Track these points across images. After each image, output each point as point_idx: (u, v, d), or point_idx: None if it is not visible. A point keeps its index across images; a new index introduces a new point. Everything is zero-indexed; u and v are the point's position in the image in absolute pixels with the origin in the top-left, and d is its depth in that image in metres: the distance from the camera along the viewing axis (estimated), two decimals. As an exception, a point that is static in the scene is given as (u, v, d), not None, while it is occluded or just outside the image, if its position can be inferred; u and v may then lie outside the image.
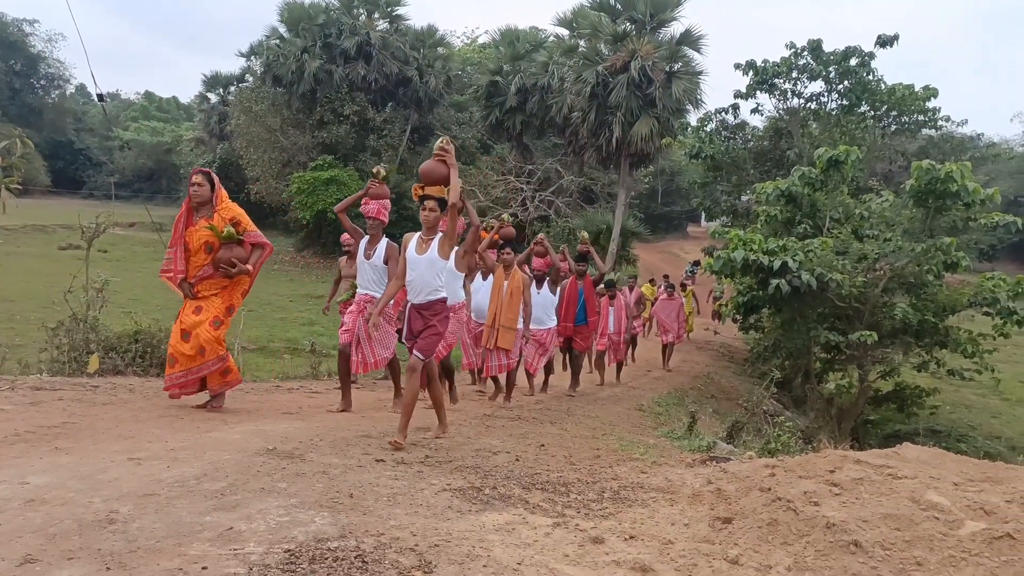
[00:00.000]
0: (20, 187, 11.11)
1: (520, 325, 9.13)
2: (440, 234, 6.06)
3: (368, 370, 7.69)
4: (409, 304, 6.10)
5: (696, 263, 31.91)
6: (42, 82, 65.69)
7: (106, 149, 65.94)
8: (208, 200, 6.85)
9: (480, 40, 50.79)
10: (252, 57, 44.73)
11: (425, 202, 6.03)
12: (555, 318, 10.42)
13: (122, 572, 3.21)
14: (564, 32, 33.53)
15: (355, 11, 38.44)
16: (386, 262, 7.57)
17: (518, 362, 9.71)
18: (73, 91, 70.94)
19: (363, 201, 7.79)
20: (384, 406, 8.12)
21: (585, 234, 11.93)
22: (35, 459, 4.73)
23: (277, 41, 38.91)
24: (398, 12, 39.01)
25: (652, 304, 20.21)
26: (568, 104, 30.98)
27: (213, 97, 52.59)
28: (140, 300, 17.46)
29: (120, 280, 9.60)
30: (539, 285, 10.13)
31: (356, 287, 8.02)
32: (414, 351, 5.95)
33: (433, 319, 6.02)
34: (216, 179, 6.99)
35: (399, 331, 6.75)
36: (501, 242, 9.40)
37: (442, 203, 6.01)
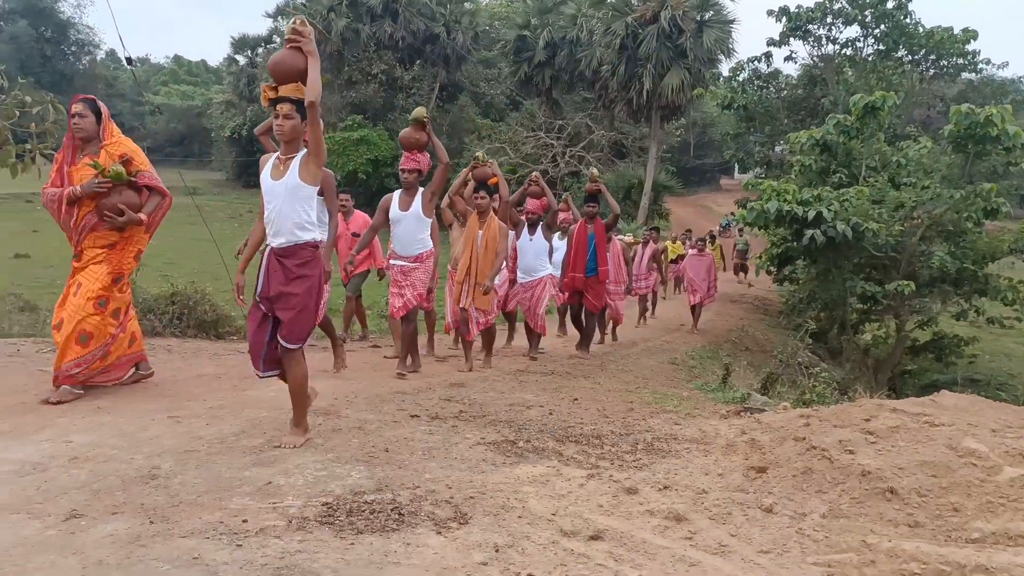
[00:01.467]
0: (53, 153, 11.26)
1: (499, 281, 8.06)
2: (303, 151, 4.54)
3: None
4: (268, 249, 4.57)
5: (732, 215, 31.58)
6: (72, 48, 66.06)
7: (137, 114, 66.39)
8: (94, 135, 5.57)
9: (508, -6, 50.09)
10: (279, 18, 44.58)
11: (278, 106, 4.47)
12: (549, 266, 9.36)
13: (165, 525, 3.29)
14: (587, -17, 32.99)
15: (380, -32, 38.08)
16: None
17: (514, 320, 9.38)
18: (103, 56, 71.28)
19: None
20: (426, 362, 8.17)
21: (595, 170, 10.36)
22: (78, 418, 4.84)
23: (303, 1, 38.71)
24: (421, -33, 38.57)
25: (673, 262, 19.99)
26: (597, 57, 30.58)
27: (241, 59, 52.56)
28: (175, 263, 17.68)
29: (155, 243, 9.68)
30: (532, 231, 9.15)
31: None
32: (280, 338, 4.47)
33: (297, 275, 4.46)
34: (105, 109, 5.68)
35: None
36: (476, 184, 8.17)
37: (301, 107, 4.44)
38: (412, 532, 3.35)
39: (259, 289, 4.49)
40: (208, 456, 4.23)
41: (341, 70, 37.69)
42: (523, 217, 9.30)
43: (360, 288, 9.64)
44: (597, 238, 9.59)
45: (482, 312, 7.88)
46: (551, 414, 5.75)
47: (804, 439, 4.33)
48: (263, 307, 4.48)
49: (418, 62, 39.14)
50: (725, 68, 28.70)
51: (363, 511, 3.54)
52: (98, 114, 5.59)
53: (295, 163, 4.49)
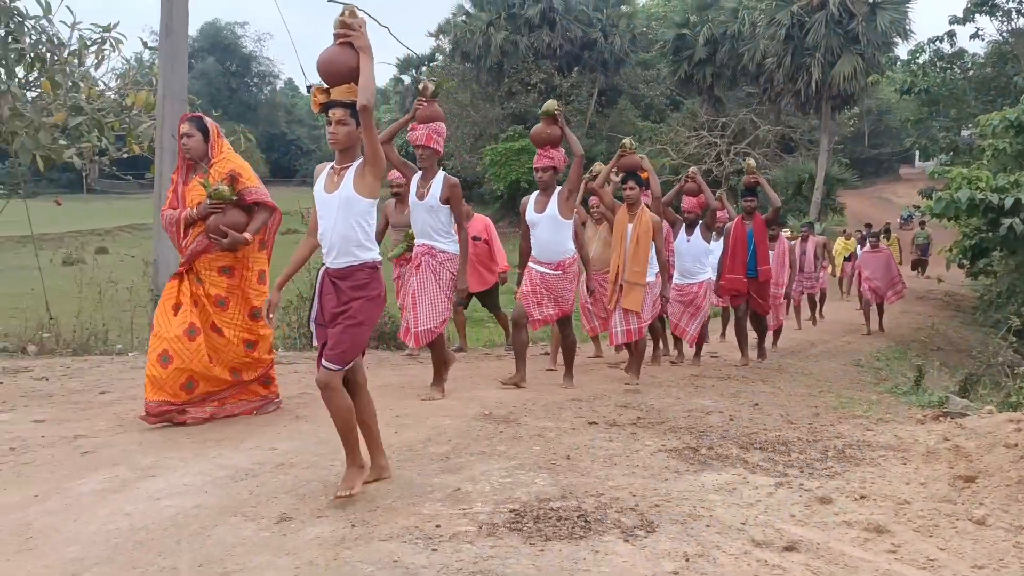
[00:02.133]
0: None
1: (652, 278, 7.36)
2: (359, 160, 3.98)
3: (418, 343, 6.25)
4: (322, 269, 4.06)
5: (916, 207, 29.76)
6: (255, 80, 70.79)
7: (314, 138, 70.19)
8: (203, 154, 5.32)
9: (665, -8, 49.45)
10: (440, 36, 45.95)
11: (329, 112, 3.94)
12: (709, 270, 8.65)
13: (365, 529, 3.46)
14: (754, -26, 32.04)
15: (537, -22, 38.55)
16: (445, 201, 6.16)
17: (663, 326, 8.71)
18: (282, 86, 75.91)
19: (410, 127, 6.37)
20: (593, 368, 8.19)
21: (751, 161, 9.44)
22: (280, 427, 5.17)
23: (463, 18, 39.78)
24: (579, -26, 38.75)
25: (846, 259, 18.95)
26: (761, 50, 29.69)
27: (406, 79, 54.58)
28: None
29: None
30: (689, 231, 8.49)
31: (412, 237, 6.69)
32: (323, 358, 3.90)
33: (353, 298, 3.91)
34: (213, 127, 5.41)
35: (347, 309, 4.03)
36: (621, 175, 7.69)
37: (356, 110, 3.87)
38: (600, 540, 3.36)
39: (313, 314, 4.05)
40: (398, 463, 4.40)
41: (501, 82, 38.40)
42: (680, 216, 8.73)
43: (467, 301, 8.67)
44: (757, 235, 8.80)
45: (632, 317, 7.15)
46: (732, 420, 5.62)
47: (1016, 445, 4.02)
48: (316, 334, 4.03)
49: (576, 69, 39.31)
50: (902, 51, 27.12)
51: (550, 518, 3.59)
52: (205, 132, 5.34)
53: (349, 173, 3.95)
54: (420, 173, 6.30)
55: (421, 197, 6.21)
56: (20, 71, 10.67)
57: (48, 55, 10.30)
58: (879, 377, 9.19)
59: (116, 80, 12.84)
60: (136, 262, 10.28)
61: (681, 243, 8.55)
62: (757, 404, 6.26)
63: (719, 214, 9.36)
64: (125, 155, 11.50)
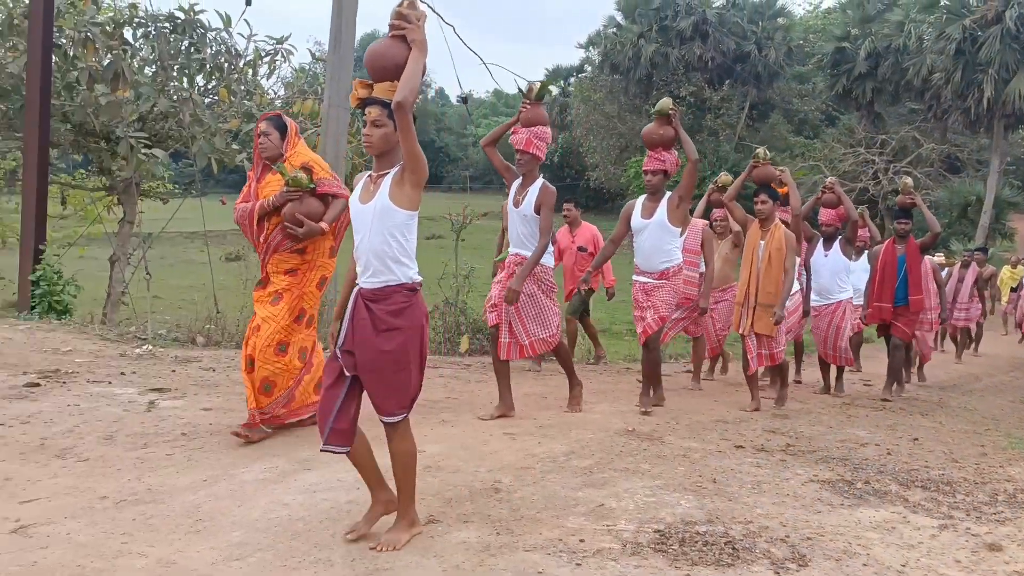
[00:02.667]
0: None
1: (790, 305, 7.08)
2: (397, 167, 3.50)
3: (523, 355, 6.07)
4: (356, 290, 3.51)
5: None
6: (408, 89, 73.17)
7: (461, 146, 71.74)
8: (278, 152, 5.15)
9: (824, 5, 47.76)
10: (590, 47, 46.03)
11: (367, 110, 3.54)
12: (849, 288, 8.04)
13: (510, 537, 3.49)
14: (922, -14, 30.49)
15: (691, -9, 38.07)
16: (538, 211, 5.79)
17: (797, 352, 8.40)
18: (433, 95, 78.00)
19: (512, 130, 6.03)
20: (736, 387, 7.98)
21: (908, 180, 8.54)
22: (427, 429, 5.29)
23: (614, 29, 39.69)
24: (735, -14, 37.99)
25: (1013, 290, 17.42)
26: (928, 65, 28.18)
27: (554, 89, 55.01)
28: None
29: (480, 266, 10.39)
30: (827, 246, 7.94)
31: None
32: (376, 410, 3.46)
33: (388, 326, 3.38)
34: (292, 125, 5.26)
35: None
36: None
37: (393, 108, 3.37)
38: (748, 569, 3.27)
39: (341, 339, 3.48)
40: (542, 474, 4.43)
41: (649, 94, 38.07)
42: (817, 231, 8.19)
43: (580, 309, 8.82)
44: (909, 261, 8.02)
45: (766, 341, 6.75)
46: (889, 454, 5.34)
47: None
48: (342, 361, 3.47)
49: (727, 82, 38.50)
50: (1087, 68, 25.19)
51: (696, 542, 3.52)
52: (283, 130, 5.17)
53: (386, 181, 3.47)
54: (519, 179, 5.97)
55: (517, 204, 5.93)
56: (200, 80, 11.45)
57: (226, 65, 11.00)
58: (1052, 418, 8.52)
59: (284, 89, 13.57)
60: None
61: (818, 259, 7.99)
62: (917, 439, 5.93)
63: (860, 232, 8.76)
64: (289, 160, 12.11)
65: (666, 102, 6.34)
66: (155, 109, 10.35)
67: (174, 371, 6.69)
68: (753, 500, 4.14)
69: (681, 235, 6.61)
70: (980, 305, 13.36)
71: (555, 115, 53.19)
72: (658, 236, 6.32)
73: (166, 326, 9.22)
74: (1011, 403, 8.92)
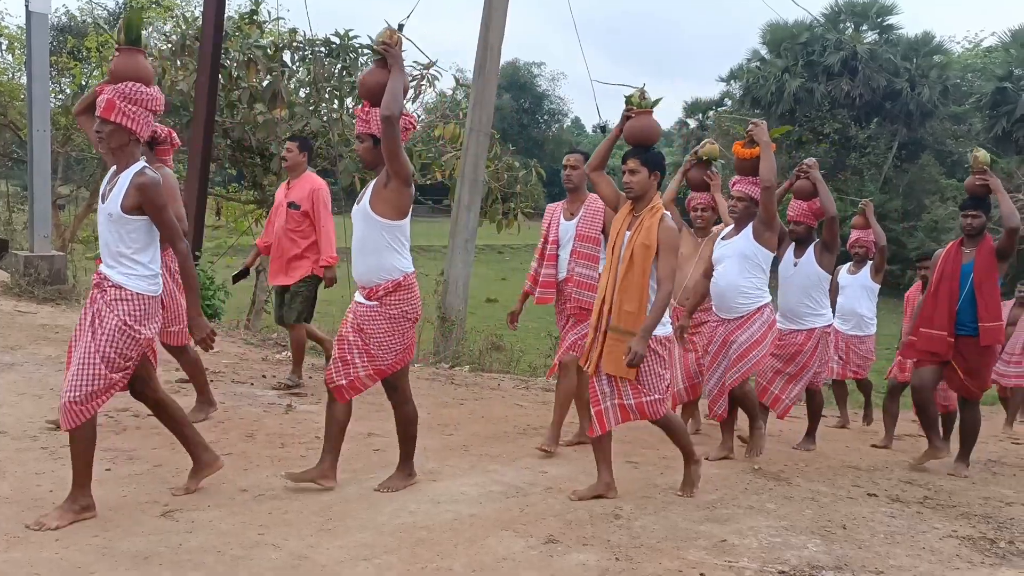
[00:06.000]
0: (532, 211, 12.71)
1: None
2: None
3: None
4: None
5: None
6: (544, 117, 73.94)
7: (594, 175, 72.00)
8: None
9: (985, 43, 45.51)
10: (731, 81, 45.43)
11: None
12: (826, 313, 6.10)
13: (628, 564, 3.48)
14: (1096, 24, 28.66)
15: (841, 25, 37.05)
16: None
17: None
18: (569, 124, 78.70)
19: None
20: (874, 436, 7.65)
21: (981, 153, 5.97)
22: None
23: (758, 63, 39.07)
24: (889, 22, 36.73)
25: None
26: (1100, 107, 26.40)
27: (692, 122, 54.51)
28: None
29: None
30: (799, 251, 6.00)
31: None
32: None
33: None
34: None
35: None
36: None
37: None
38: (877, 620, 3.14)
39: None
40: (664, 504, 4.38)
41: (792, 131, 37.21)
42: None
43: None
44: (980, 271, 5.66)
45: (621, 388, 4.34)
46: (1038, 516, 5.00)
47: None
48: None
49: (875, 120, 37.18)
50: None
51: (822, 587, 3.41)
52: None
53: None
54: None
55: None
56: (350, 102, 11.98)
57: (375, 88, 11.46)
58: None
59: (426, 113, 14.04)
60: (427, 280, 11.10)
61: (785, 269, 6.10)
62: (1069, 503, 5.53)
63: (859, 235, 7.37)
64: (428, 182, 12.50)
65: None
66: (307, 128, 10.91)
67: (311, 377, 6.99)
68: (886, 551, 3.96)
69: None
70: None
71: (691, 148, 52.63)
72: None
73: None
74: None
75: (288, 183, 6.48)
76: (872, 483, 5.36)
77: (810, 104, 36.15)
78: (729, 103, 46.17)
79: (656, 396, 4.29)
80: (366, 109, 4.04)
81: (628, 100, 4.62)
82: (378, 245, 4.04)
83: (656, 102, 4.59)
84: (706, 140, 6.36)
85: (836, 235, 5.94)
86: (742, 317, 5.37)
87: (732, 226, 5.58)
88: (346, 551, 3.43)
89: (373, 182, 4.11)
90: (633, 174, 4.32)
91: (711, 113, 50.82)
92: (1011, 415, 9.44)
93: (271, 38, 11.73)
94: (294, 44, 11.55)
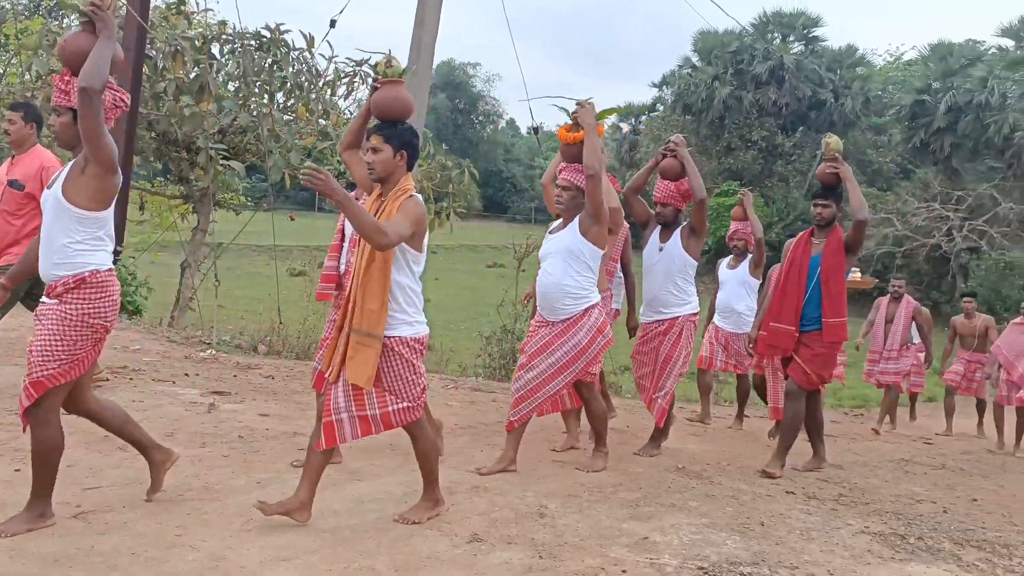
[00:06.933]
0: (465, 211, 12.70)
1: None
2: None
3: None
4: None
5: None
6: (480, 118, 73.95)
7: (528, 177, 72.24)
8: None
9: (905, 57, 47.17)
10: (663, 87, 46.15)
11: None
12: (692, 302, 5.78)
13: (552, 562, 3.51)
14: (1009, 43, 30.02)
15: (769, 35, 37.96)
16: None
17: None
18: (504, 125, 78.83)
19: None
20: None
21: (832, 139, 5.79)
22: (476, 451, 5.34)
23: (689, 70, 39.76)
24: (815, 33, 37.81)
25: None
26: (1010, 123, 27.60)
27: (625, 127, 55.19)
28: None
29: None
30: (664, 236, 5.73)
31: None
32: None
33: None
34: None
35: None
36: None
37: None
38: (791, 614, 3.22)
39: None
40: (589, 503, 4.43)
41: (720, 137, 37.95)
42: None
43: None
44: (827, 264, 5.48)
45: (361, 399, 3.81)
46: (945, 512, 5.20)
47: None
48: None
49: (801, 128, 38.19)
50: None
51: (739, 582, 3.48)
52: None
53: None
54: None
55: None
56: (280, 97, 11.80)
57: (306, 84, 11.32)
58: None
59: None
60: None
61: (650, 256, 5.74)
62: (976, 500, 5.76)
63: (738, 226, 7.35)
64: (360, 180, 12.36)
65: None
66: (235, 123, 10.70)
67: (235, 376, 6.87)
68: (801, 546, 4.07)
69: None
70: (911, 355, 9.87)
71: (624, 152, 53.37)
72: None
73: (230, 333, 9.47)
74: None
75: (12, 159, 5.52)
76: (790, 481, 5.50)
77: (739, 111, 36.95)
78: (662, 108, 46.90)
79: (406, 404, 3.73)
80: (66, 78, 3.48)
81: (374, 69, 4.23)
82: (68, 238, 3.39)
83: (404, 71, 4.11)
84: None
85: (705, 219, 5.70)
86: (568, 320, 4.78)
87: (560, 221, 5.02)
88: (267, 551, 3.38)
89: (69, 165, 3.49)
90: (376, 152, 3.71)
91: (643, 118, 51.58)
92: (882, 414, 9.68)
93: (199, 29, 11.46)
94: (223, 36, 11.31)
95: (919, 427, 10.45)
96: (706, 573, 3.55)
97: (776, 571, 3.67)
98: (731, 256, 7.49)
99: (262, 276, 19.26)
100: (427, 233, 3.87)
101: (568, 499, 4.45)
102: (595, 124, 4.74)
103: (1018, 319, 9.28)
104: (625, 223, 6.00)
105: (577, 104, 4.84)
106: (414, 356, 3.75)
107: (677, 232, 5.67)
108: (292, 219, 22.14)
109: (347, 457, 4.82)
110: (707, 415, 7.69)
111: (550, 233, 5.02)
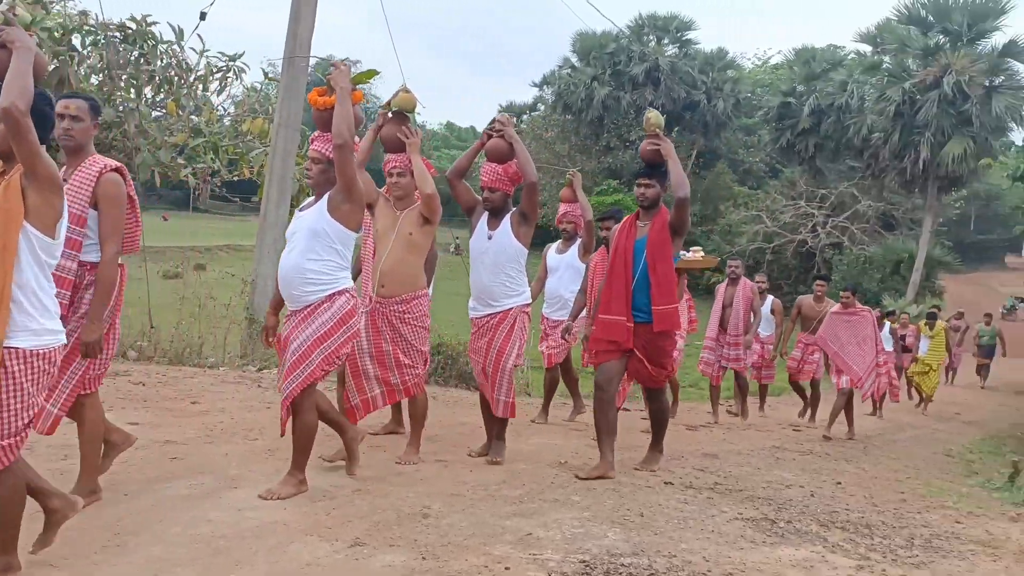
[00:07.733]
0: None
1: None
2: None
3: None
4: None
5: (1020, 299, 28.40)
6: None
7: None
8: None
9: (772, 61, 49.31)
10: (544, 87, 46.69)
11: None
12: (524, 292, 5.41)
13: (436, 563, 3.48)
14: (866, 48, 31.74)
15: (645, 38, 38.93)
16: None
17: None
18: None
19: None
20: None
21: (653, 113, 5.48)
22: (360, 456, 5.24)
23: (568, 70, 40.36)
24: (688, 36, 39.00)
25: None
26: (868, 124, 29.17)
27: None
28: (436, 314, 18.75)
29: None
30: (493, 223, 5.31)
31: None
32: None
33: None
34: None
35: None
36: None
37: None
38: (670, 601, 3.30)
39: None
40: (472, 502, 4.43)
41: (600, 136, 38.71)
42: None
43: None
44: (652, 247, 5.22)
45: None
46: (813, 496, 5.46)
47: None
48: None
49: (676, 129, 39.34)
50: (1017, 137, 26.36)
51: (620, 573, 3.55)
52: None
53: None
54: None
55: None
56: (148, 92, 11.29)
57: (176, 79, 10.88)
58: (971, 470, 8.77)
59: (233, 107, 13.47)
60: (234, 281, 10.65)
61: (478, 243, 5.33)
62: (840, 483, 6.08)
63: (569, 208, 7.07)
64: (236, 178, 11.99)
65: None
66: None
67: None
68: (679, 535, 4.19)
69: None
70: (753, 343, 9.65)
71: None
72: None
73: (97, 339, 8.99)
74: (932, 454, 9.18)
75: None
76: (668, 472, 5.66)
77: (617, 112, 37.75)
78: (542, 108, 47.43)
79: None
80: None
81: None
82: None
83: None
84: (401, 87, 5.36)
85: (535, 203, 5.31)
86: (308, 307, 4.23)
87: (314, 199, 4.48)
88: (135, 568, 3.23)
89: None
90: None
91: (525, 117, 51.97)
92: (728, 401, 10.05)
93: (58, 20, 10.84)
94: (84, 28, 10.73)
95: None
96: (588, 566, 3.59)
97: (654, 560, 3.75)
98: (559, 240, 7.08)
99: (133, 279, 18.43)
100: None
101: (452, 498, 4.43)
102: (350, 88, 4.30)
103: (836, 307, 9.16)
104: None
105: (331, 65, 4.46)
106: (24, 371, 2.95)
107: (507, 219, 5.23)
108: (165, 219, 21.33)
109: (223, 463, 4.67)
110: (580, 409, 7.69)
111: (299, 211, 4.52)
